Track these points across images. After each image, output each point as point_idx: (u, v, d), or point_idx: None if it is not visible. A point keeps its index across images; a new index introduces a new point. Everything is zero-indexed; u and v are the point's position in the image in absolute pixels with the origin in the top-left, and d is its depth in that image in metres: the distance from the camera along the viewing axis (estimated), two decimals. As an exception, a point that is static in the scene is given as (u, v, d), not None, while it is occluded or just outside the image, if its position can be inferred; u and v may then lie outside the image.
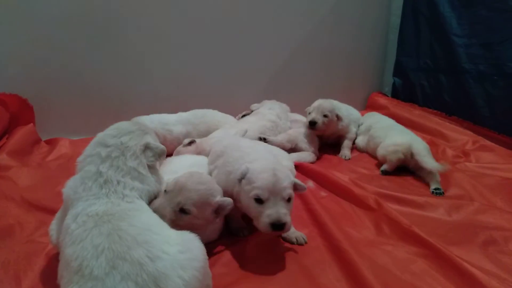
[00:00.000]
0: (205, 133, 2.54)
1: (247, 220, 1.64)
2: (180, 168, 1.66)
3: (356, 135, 2.86)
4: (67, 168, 2.31)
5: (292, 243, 1.52)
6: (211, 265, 1.35)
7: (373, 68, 3.82)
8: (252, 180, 1.35)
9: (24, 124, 2.57)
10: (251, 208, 1.34)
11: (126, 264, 0.94)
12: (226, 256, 1.43)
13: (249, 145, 1.68)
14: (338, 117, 2.66)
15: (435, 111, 3.22)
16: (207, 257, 1.13)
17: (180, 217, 1.29)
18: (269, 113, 2.68)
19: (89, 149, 1.30)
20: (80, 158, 1.28)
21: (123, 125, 1.38)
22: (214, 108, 2.92)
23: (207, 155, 2.04)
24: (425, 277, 1.31)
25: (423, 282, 1.29)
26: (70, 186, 1.20)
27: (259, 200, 1.32)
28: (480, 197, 1.93)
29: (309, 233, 1.60)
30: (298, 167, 2.27)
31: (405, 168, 2.34)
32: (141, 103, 3.06)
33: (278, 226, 1.27)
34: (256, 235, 1.56)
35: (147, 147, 1.33)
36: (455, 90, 3.06)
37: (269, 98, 3.01)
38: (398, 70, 3.63)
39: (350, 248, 1.41)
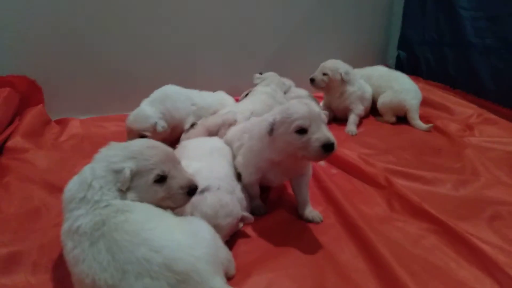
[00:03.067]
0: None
1: (263, 199, 1.72)
2: (200, 155, 1.69)
3: (363, 112, 2.88)
4: (81, 148, 2.36)
5: (308, 221, 1.59)
6: (233, 244, 1.44)
7: (377, 41, 3.80)
8: (287, 118, 1.35)
9: (33, 105, 2.59)
10: (295, 142, 1.33)
11: (134, 265, 0.99)
12: (247, 234, 1.50)
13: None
14: (342, 78, 2.73)
15: (439, 84, 3.25)
16: (216, 235, 1.19)
17: None
18: (265, 92, 2.67)
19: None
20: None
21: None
22: (219, 83, 2.93)
23: (214, 134, 2.09)
24: (436, 252, 1.40)
25: (435, 257, 1.37)
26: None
27: (302, 131, 1.32)
28: (486, 171, 2.00)
29: (323, 211, 1.67)
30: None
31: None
32: (148, 80, 3.06)
33: (329, 146, 1.29)
34: (274, 214, 1.64)
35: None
36: (460, 63, 3.08)
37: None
38: (403, 43, 3.62)
39: (364, 225, 1.49)
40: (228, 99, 2.74)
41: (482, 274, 1.27)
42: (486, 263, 1.30)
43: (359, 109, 2.82)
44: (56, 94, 2.80)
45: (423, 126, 2.68)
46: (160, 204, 1.19)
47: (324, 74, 2.79)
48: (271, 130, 1.39)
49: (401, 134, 2.66)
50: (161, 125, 2.23)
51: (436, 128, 2.69)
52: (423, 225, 1.55)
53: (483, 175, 1.95)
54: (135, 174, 1.15)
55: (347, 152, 2.18)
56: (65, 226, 1.12)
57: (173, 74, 3.08)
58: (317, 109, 1.37)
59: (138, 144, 1.23)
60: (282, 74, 2.99)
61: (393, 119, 2.85)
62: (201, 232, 1.13)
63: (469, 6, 2.92)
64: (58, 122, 2.68)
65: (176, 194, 1.22)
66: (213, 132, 2.06)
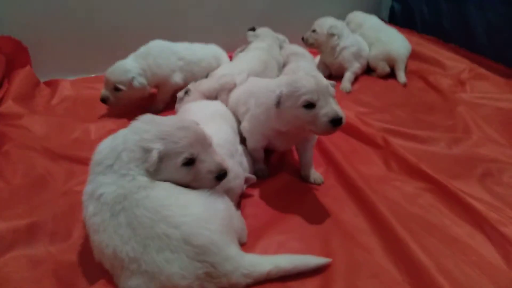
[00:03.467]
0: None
1: (265, 162, 1.77)
2: (201, 118, 1.66)
3: (359, 70, 2.88)
4: (75, 112, 2.33)
5: (311, 183, 1.66)
6: (242, 207, 1.50)
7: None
8: (294, 91, 1.33)
9: (20, 66, 2.48)
10: (303, 117, 1.33)
11: (155, 241, 1.04)
12: (254, 197, 1.57)
13: (277, 79, 1.62)
14: (329, 33, 2.74)
15: (433, 37, 3.23)
16: (231, 203, 1.25)
17: None
18: (260, 48, 2.62)
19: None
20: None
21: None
22: (211, 37, 2.85)
23: (212, 96, 2.06)
24: (431, 210, 1.49)
25: (430, 214, 1.47)
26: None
27: (309, 105, 1.31)
28: (477, 129, 2.07)
29: (324, 172, 1.74)
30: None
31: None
32: (136, 36, 2.94)
33: (337, 121, 1.30)
34: (278, 176, 1.70)
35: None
36: (455, 17, 3.04)
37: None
38: (398, -5, 3.53)
39: (364, 185, 1.57)
40: (221, 53, 2.67)
41: (474, 230, 1.38)
42: (477, 219, 1.40)
43: (354, 66, 2.81)
44: (42, 54, 2.67)
45: (402, 79, 2.76)
46: (187, 185, 1.21)
47: (313, 31, 2.80)
48: (278, 103, 1.37)
49: (395, 90, 2.69)
50: (139, 81, 2.19)
51: (429, 84, 2.73)
52: (419, 184, 1.63)
53: (475, 132, 2.03)
54: (164, 156, 1.15)
55: (344, 111, 2.21)
56: (88, 188, 1.17)
57: (164, 30, 2.96)
58: (324, 81, 1.36)
59: (169, 123, 1.21)
60: (275, 30, 2.92)
61: (387, 68, 2.86)
62: (216, 204, 1.18)
63: (467, -44, 2.84)
64: (48, 84, 2.60)
65: (204, 178, 1.21)
66: (210, 97, 2.03)
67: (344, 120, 1.31)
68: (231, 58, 2.78)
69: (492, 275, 1.20)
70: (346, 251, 1.29)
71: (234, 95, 1.89)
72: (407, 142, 1.96)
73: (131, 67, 2.18)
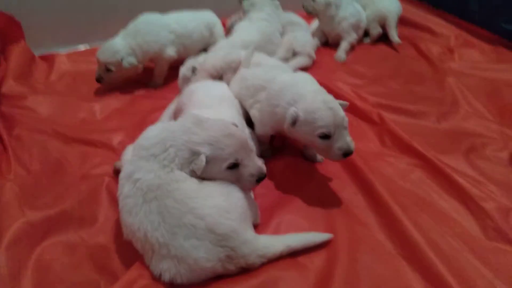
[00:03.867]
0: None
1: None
2: (209, 103, 1.73)
3: (356, 40, 2.93)
4: (76, 89, 2.36)
5: (312, 161, 1.79)
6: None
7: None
8: (311, 121, 1.43)
9: (13, 41, 2.44)
10: (317, 144, 1.46)
11: (183, 229, 1.17)
12: (262, 178, 1.70)
13: (280, 79, 1.67)
14: (327, 4, 2.78)
15: (423, 3, 3.26)
16: (245, 194, 1.35)
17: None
18: (263, 19, 2.61)
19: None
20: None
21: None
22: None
23: (218, 75, 2.10)
24: (422, 185, 1.65)
25: (421, 190, 1.63)
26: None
27: (325, 137, 1.43)
28: (464, 101, 2.21)
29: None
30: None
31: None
32: (127, 3, 2.90)
33: (349, 153, 1.45)
34: (281, 157, 1.82)
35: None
36: (448, -19, 3.06)
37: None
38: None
39: (361, 163, 1.70)
40: (214, 22, 2.64)
41: (458, 204, 1.55)
42: (462, 195, 1.57)
43: (352, 37, 2.85)
44: (32, 26, 2.60)
45: (395, 38, 2.87)
46: None
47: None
48: (294, 123, 1.46)
49: (388, 59, 2.78)
50: (128, 61, 2.21)
51: (420, 52, 2.83)
52: (411, 160, 1.78)
53: (462, 106, 2.17)
54: (210, 160, 1.26)
55: (340, 85, 2.32)
56: (127, 169, 1.28)
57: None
58: (341, 114, 1.44)
59: (217, 129, 1.30)
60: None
61: (379, 28, 2.95)
62: (234, 193, 1.31)
63: None
64: (43, 58, 2.57)
65: (246, 180, 1.33)
66: (216, 76, 2.06)
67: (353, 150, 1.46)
68: (224, 25, 2.77)
69: (472, 245, 1.38)
70: (347, 227, 1.45)
71: (236, 85, 1.89)
72: (400, 116, 2.09)
73: (120, 46, 2.19)
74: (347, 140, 1.45)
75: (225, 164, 1.30)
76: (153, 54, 2.30)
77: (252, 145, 1.44)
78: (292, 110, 1.46)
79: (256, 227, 1.41)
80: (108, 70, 2.20)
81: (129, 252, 1.29)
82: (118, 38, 2.23)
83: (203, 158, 1.26)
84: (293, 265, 1.29)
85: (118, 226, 1.38)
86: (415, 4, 3.32)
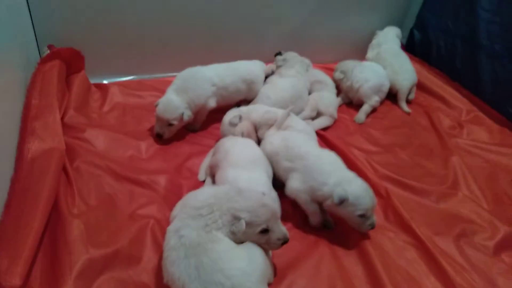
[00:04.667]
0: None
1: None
2: (243, 163, 2.04)
3: (378, 103, 3.21)
4: (125, 123, 2.67)
5: (323, 226, 2.09)
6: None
7: (392, 20, 3.86)
8: (356, 204, 1.83)
9: (75, 71, 2.79)
10: (354, 220, 1.89)
11: (212, 285, 1.43)
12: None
13: (316, 153, 2.04)
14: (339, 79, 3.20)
15: (441, 73, 3.54)
16: (266, 257, 1.65)
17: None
18: (293, 76, 2.92)
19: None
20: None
21: None
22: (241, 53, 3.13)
23: (255, 127, 2.42)
24: (414, 264, 1.92)
25: (412, 268, 1.90)
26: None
27: (362, 216, 1.86)
28: (464, 184, 2.45)
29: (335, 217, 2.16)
30: (320, 136, 2.72)
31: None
32: (176, 40, 3.22)
33: (373, 228, 1.92)
34: (294, 219, 2.11)
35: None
36: (467, 59, 3.32)
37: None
38: (420, 24, 3.75)
39: (365, 236, 1.99)
40: (254, 75, 2.86)
41: None
42: (446, 280, 1.81)
43: (373, 100, 3.12)
44: (90, 57, 2.93)
45: (405, 109, 3.22)
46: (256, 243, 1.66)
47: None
48: (341, 203, 1.82)
49: (401, 126, 3.05)
50: (188, 114, 2.50)
51: (432, 123, 3.11)
52: (408, 239, 2.04)
53: (461, 189, 2.42)
54: (247, 224, 1.58)
55: (356, 153, 2.60)
56: (177, 224, 1.58)
57: (198, 39, 3.26)
58: (375, 200, 1.90)
59: (254, 199, 1.64)
60: (303, 47, 3.22)
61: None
62: (257, 258, 1.60)
63: (489, 8, 3.06)
64: (98, 86, 2.91)
65: (273, 243, 1.67)
66: (256, 128, 2.39)
67: None
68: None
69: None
70: (346, 296, 1.75)
71: (272, 145, 2.18)
72: (405, 192, 2.36)
73: (178, 102, 2.47)
74: (374, 218, 1.92)
75: (259, 229, 1.62)
76: (201, 106, 2.61)
77: (279, 213, 1.76)
78: (340, 192, 1.82)
79: (270, 285, 1.71)
80: (169, 125, 2.47)
81: (167, 294, 1.60)
82: (172, 95, 2.50)
83: (243, 223, 1.57)
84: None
85: (158, 268, 1.69)
86: (434, 72, 3.59)
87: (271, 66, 3.13)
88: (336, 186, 1.86)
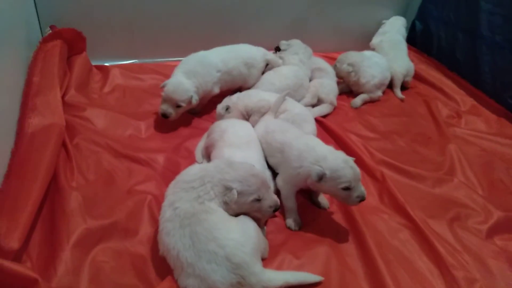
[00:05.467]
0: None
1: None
2: (239, 142, 2.08)
3: (379, 97, 3.24)
4: (125, 104, 2.71)
5: (318, 207, 2.12)
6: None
7: (394, 11, 3.87)
8: (336, 178, 1.77)
9: (77, 53, 2.81)
10: (339, 194, 1.81)
11: (206, 254, 1.47)
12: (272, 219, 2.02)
13: (302, 142, 1.98)
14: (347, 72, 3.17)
15: (440, 64, 3.56)
16: (259, 230, 1.68)
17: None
18: (295, 64, 2.94)
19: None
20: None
21: None
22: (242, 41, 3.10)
23: (247, 115, 2.44)
24: (407, 245, 1.94)
25: (405, 248, 1.92)
26: None
27: (346, 189, 1.80)
28: (460, 171, 2.47)
29: (330, 198, 2.18)
30: (319, 122, 2.74)
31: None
32: (178, 26, 3.24)
33: (364, 200, 1.85)
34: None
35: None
36: (467, 49, 3.34)
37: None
38: (422, 15, 3.76)
39: (358, 215, 2.00)
40: (254, 59, 2.87)
41: (434, 268, 1.82)
42: (438, 260, 1.84)
43: (375, 94, 3.18)
44: (92, 39, 2.96)
45: (399, 95, 3.28)
46: (249, 214, 1.70)
47: (335, 65, 3.25)
48: (320, 179, 1.80)
49: (400, 115, 3.09)
50: (195, 98, 2.51)
51: (430, 111, 3.13)
52: (402, 221, 2.06)
53: (457, 175, 2.44)
54: (239, 194, 1.62)
55: (353, 138, 2.62)
56: (170, 198, 1.63)
57: (200, 26, 3.29)
58: (357, 170, 1.83)
59: (244, 169, 1.68)
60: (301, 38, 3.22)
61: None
62: (250, 231, 1.63)
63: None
64: (99, 68, 2.94)
65: (265, 210, 1.72)
66: (245, 115, 2.41)
67: None
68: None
69: (438, 305, 1.70)
70: (338, 272, 1.76)
71: (261, 132, 2.22)
72: (400, 177, 2.38)
73: (189, 85, 2.47)
74: (362, 189, 1.84)
75: (251, 198, 1.66)
76: (207, 92, 2.63)
77: (269, 183, 1.83)
78: (317, 169, 1.81)
79: (264, 260, 1.73)
80: (178, 106, 2.46)
81: (163, 265, 1.62)
82: (182, 78, 2.49)
83: (235, 192, 1.62)
84: (289, 297, 1.61)
85: (154, 241, 1.72)
86: (434, 63, 3.61)
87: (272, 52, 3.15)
88: (312, 165, 1.82)
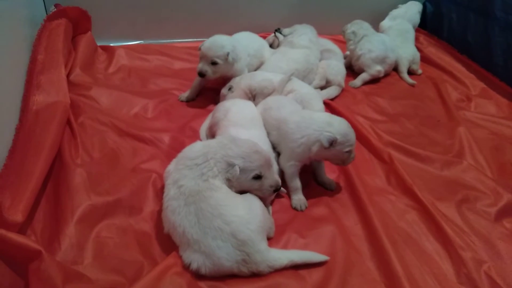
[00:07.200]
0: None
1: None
2: (243, 121, 2.05)
3: (379, 73, 3.16)
4: (130, 84, 2.69)
5: (325, 188, 2.09)
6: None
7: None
8: (345, 141, 1.84)
9: (82, 32, 2.78)
10: (341, 156, 1.89)
11: (212, 230, 1.47)
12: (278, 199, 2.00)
13: (296, 115, 1.99)
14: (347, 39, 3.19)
15: (451, 47, 3.48)
16: (265, 209, 1.67)
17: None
18: (305, 47, 2.86)
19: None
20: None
21: None
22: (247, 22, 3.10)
23: (248, 96, 2.40)
24: (414, 226, 1.92)
25: (412, 230, 1.90)
26: None
27: (349, 151, 1.88)
28: (469, 154, 2.42)
29: (336, 178, 2.15)
30: (327, 105, 2.69)
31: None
32: (184, 7, 3.19)
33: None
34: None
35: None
36: (479, 31, 3.25)
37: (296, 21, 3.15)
38: (432, -4, 3.67)
39: (365, 196, 1.97)
40: (262, 48, 2.87)
41: (441, 249, 1.80)
42: (446, 241, 1.82)
43: (373, 69, 3.10)
44: (96, 19, 2.93)
45: (409, 81, 3.19)
46: (250, 191, 1.69)
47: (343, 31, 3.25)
48: (331, 145, 1.81)
49: (409, 97, 3.03)
50: (232, 56, 2.42)
51: (440, 95, 3.06)
52: (409, 202, 2.04)
53: (466, 158, 2.39)
54: (241, 170, 1.61)
55: (361, 120, 2.58)
56: (173, 176, 1.62)
57: (205, 7, 3.23)
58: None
59: (247, 146, 1.66)
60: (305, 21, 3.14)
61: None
62: (256, 209, 1.62)
63: (505, -22, 2.98)
64: (104, 48, 2.91)
65: (266, 189, 1.70)
66: (249, 97, 2.37)
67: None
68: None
69: (444, 285, 1.66)
70: (344, 252, 1.74)
71: (261, 108, 2.21)
72: (409, 159, 2.34)
73: (226, 42, 2.41)
74: (353, 154, 1.96)
75: (252, 174, 1.65)
76: (233, 71, 2.54)
77: (271, 161, 1.79)
78: (327, 135, 1.81)
79: (269, 239, 1.72)
80: (213, 63, 2.39)
81: (167, 242, 1.62)
82: (222, 36, 2.46)
83: (237, 168, 1.60)
84: (294, 276, 1.59)
85: (159, 219, 1.71)
86: (444, 46, 3.52)
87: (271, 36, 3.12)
88: (318, 132, 1.84)
